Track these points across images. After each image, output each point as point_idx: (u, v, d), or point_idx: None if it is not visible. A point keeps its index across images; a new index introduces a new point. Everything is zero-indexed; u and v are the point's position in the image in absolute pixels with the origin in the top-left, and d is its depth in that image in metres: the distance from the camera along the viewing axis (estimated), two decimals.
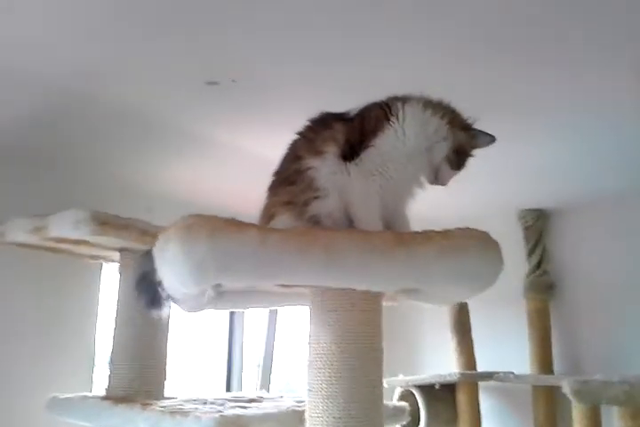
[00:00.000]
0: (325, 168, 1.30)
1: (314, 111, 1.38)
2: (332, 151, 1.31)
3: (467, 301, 3.12)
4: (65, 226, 1.76)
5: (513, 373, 2.99)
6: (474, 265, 1.17)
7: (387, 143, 1.30)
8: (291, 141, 1.42)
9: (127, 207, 2.42)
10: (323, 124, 1.38)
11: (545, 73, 1.84)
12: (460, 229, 1.20)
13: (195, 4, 1.47)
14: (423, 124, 1.33)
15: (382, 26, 1.59)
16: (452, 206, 3.21)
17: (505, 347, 3.29)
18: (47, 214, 1.83)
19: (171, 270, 1.09)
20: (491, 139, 1.41)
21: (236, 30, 1.59)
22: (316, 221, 1.28)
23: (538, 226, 3.30)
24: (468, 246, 1.16)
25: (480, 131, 1.40)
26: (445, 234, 1.18)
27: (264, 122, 2.06)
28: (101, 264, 2.42)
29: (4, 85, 1.87)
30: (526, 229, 3.32)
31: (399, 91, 1.40)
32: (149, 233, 1.85)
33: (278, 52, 1.70)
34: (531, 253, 3.28)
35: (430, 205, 3.18)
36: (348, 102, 1.39)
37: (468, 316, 3.17)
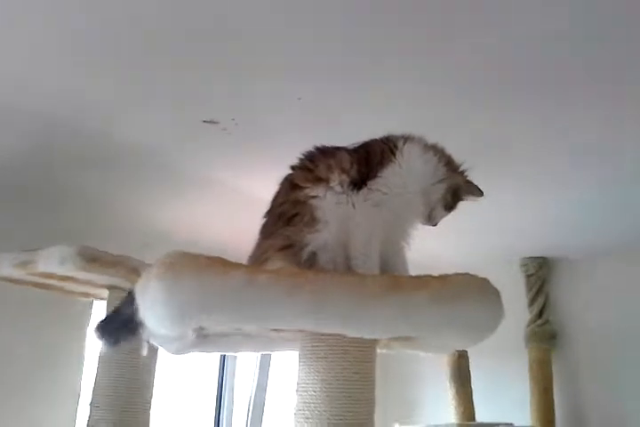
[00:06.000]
0: (330, 196, 1.27)
1: None
2: (337, 179, 1.28)
3: (466, 349, 3.04)
4: (51, 261, 1.71)
5: (512, 424, 2.87)
6: (472, 313, 1.11)
7: (392, 176, 1.29)
8: (283, 177, 1.38)
9: (123, 244, 2.39)
10: (324, 153, 1.35)
11: (549, 121, 1.82)
12: (458, 274, 1.15)
13: (195, 45, 1.47)
14: (424, 162, 1.33)
15: (383, 70, 1.58)
16: (452, 253, 3.19)
17: (505, 398, 3.18)
18: (36, 249, 1.79)
19: (151, 311, 1.04)
20: (479, 193, 1.41)
21: (236, 72, 1.59)
22: (312, 263, 1.24)
23: (540, 274, 3.24)
24: (467, 293, 1.11)
25: (472, 182, 1.41)
26: (442, 279, 1.12)
27: (264, 163, 2.03)
28: (92, 302, 2.36)
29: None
30: (528, 277, 3.25)
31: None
32: (139, 271, 1.80)
33: (279, 93, 1.69)
34: (532, 301, 3.21)
35: (430, 254, 3.16)
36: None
37: (468, 364, 3.06)
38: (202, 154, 2.05)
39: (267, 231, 1.35)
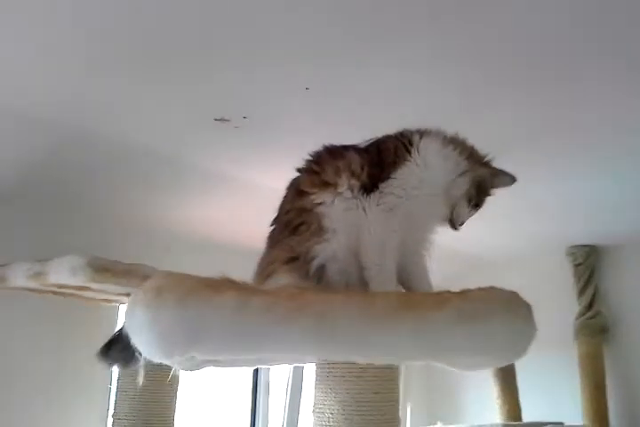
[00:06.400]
0: (339, 203, 1.15)
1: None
2: (345, 184, 1.17)
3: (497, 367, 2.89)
4: (62, 273, 1.65)
5: (562, 424, 2.72)
6: (499, 333, 0.97)
7: (407, 176, 1.17)
8: (289, 181, 1.27)
9: (143, 248, 2.32)
10: (332, 154, 1.23)
11: (597, 103, 1.68)
12: (481, 289, 1.01)
13: (201, 40, 1.38)
14: (443, 158, 1.21)
15: (393, 58, 1.46)
16: (498, 243, 3.04)
17: (554, 395, 3.01)
18: (48, 259, 1.73)
19: (139, 339, 0.94)
20: (511, 178, 1.27)
21: (245, 66, 1.49)
22: (320, 276, 1.13)
23: (588, 263, 3.03)
24: (492, 310, 0.97)
25: (500, 169, 1.27)
26: (464, 295, 0.99)
27: (278, 157, 1.94)
28: (118, 307, 2.30)
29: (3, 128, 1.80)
30: (576, 266, 3.04)
31: (418, 125, 1.27)
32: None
33: (288, 86, 1.58)
34: (581, 292, 3.00)
35: (474, 242, 3.04)
36: (360, 137, 1.26)
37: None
38: (215, 152, 1.98)
39: (273, 241, 1.24)
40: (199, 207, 2.44)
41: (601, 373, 2.89)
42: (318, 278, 1.13)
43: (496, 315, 0.97)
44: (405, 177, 1.16)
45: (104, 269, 1.63)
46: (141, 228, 2.46)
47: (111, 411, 1.88)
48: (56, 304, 2.08)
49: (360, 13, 1.27)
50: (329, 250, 1.13)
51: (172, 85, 1.58)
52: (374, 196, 1.15)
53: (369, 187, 1.16)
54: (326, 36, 1.36)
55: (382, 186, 1.16)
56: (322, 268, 1.13)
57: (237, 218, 2.48)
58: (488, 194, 1.28)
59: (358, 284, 1.15)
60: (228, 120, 1.71)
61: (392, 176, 1.16)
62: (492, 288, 1.03)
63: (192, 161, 2.03)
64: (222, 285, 0.95)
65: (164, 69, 1.51)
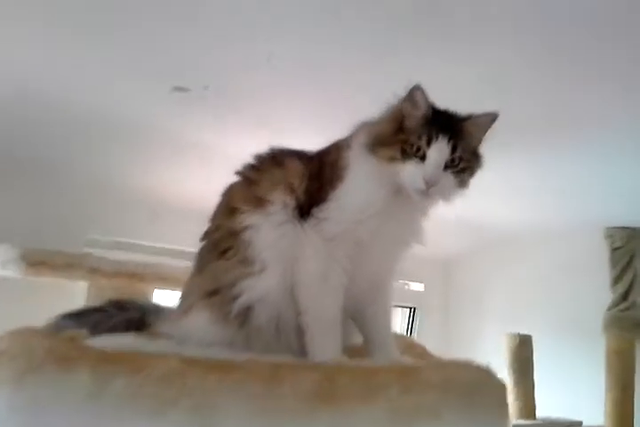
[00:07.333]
0: (270, 228, 0.90)
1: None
2: (279, 201, 0.91)
3: (530, 333, 2.64)
4: None
5: (581, 423, 2.48)
6: None
7: (350, 194, 0.89)
8: (227, 186, 1.01)
9: (130, 216, 2.20)
10: (273, 161, 0.98)
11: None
12: (439, 364, 0.76)
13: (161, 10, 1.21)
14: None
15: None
16: (529, 218, 2.85)
17: (574, 391, 2.77)
18: None
19: None
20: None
21: (204, 37, 1.32)
22: (244, 320, 0.88)
23: (629, 248, 2.70)
24: (445, 407, 0.71)
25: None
26: (410, 379, 0.73)
27: (245, 123, 1.76)
28: None
29: None
30: (614, 250, 2.72)
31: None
32: (100, 271, 1.51)
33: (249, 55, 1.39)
34: (617, 280, 2.69)
35: (509, 218, 2.77)
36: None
37: (531, 352, 2.64)
38: (182, 120, 1.80)
39: (200, 263, 1.00)
40: (175, 173, 2.24)
41: (630, 372, 2.61)
42: (241, 322, 0.89)
43: (449, 412, 0.71)
44: (343, 198, 0.89)
45: (39, 262, 1.42)
46: (125, 196, 2.28)
47: None
48: None
49: None
50: (258, 288, 0.89)
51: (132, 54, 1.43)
52: (311, 220, 0.89)
53: (305, 207, 0.90)
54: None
55: (316, 211, 0.89)
56: (248, 310, 0.89)
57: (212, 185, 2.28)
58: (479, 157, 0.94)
59: (293, 333, 0.90)
60: (188, 89, 1.45)
61: (328, 198, 0.89)
62: (452, 363, 0.77)
63: (163, 129, 1.84)
64: (80, 352, 0.71)
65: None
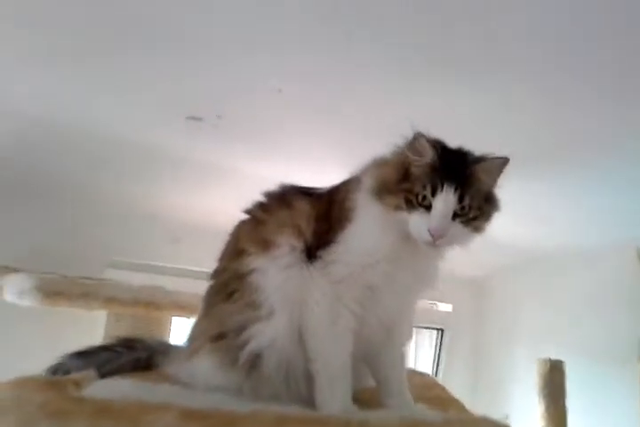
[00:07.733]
0: (275, 271, 0.87)
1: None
2: (287, 244, 0.88)
3: (563, 358, 2.55)
4: (11, 294, 1.44)
5: None
6: None
7: (352, 241, 0.86)
8: (235, 224, 0.98)
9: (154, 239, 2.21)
10: (282, 200, 0.94)
11: None
12: (445, 424, 0.70)
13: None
14: None
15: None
16: (566, 240, 2.80)
17: (607, 419, 2.66)
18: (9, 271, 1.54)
19: None
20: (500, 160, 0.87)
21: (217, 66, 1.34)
22: (253, 367, 0.85)
23: None
24: None
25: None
26: None
27: (258, 149, 1.76)
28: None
29: None
30: None
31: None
32: (117, 300, 1.49)
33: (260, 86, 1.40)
34: None
35: (541, 239, 2.71)
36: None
37: (563, 377, 2.54)
38: (198, 146, 1.81)
39: (208, 304, 0.97)
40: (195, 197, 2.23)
41: None
42: (249, 368, 0.86)
43: None
44: (350, 241, 0.85)
45: (55, 292, 1.41)
46: (154, 218, 2.28)
47: None
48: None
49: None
50: (266, 334, 0.86)
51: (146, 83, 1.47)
52: (318, 263, 0.85)
53: (313, 250, 0.86)
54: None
55: (322, 253, 0.85)
56: (256, 356, 0.85)
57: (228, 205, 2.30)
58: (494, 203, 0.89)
59: (303, 380, 0.86)
60: (200, 119, 1.46)
61: (336, 240, 0.85)
62: (475, 422, 0.72)
63: (178, 155, 1.85)
64: (75, 407, 0.68)
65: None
